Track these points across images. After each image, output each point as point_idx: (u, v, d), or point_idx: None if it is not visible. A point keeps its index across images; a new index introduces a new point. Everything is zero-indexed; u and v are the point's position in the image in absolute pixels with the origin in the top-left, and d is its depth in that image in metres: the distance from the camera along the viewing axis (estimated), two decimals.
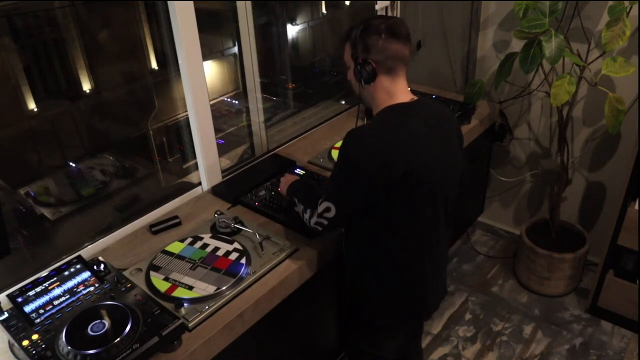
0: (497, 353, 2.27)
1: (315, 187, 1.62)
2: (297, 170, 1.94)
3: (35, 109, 1.73)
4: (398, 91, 1.37)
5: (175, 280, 1.44)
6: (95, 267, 1.46)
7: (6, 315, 1.31)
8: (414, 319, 1.63)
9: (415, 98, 1.40)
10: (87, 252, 1.64)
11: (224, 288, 1.41)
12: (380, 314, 1.52)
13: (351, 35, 1.38)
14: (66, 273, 1.43)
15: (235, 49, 2.21)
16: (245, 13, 2.10)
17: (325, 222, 1.39)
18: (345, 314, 1.69)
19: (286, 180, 1.70)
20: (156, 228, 1.70)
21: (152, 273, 1.47)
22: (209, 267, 1.49)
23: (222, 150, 2.21)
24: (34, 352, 1.20)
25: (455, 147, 1.47)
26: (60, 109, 1.85)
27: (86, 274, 1.44)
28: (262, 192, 1.83)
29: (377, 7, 2.51)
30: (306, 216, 1.46)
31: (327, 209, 1.37)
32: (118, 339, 1.20)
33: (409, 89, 1.44)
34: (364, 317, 1.57)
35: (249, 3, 2.09)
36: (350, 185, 1.33)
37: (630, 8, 1.88)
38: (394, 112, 1.36)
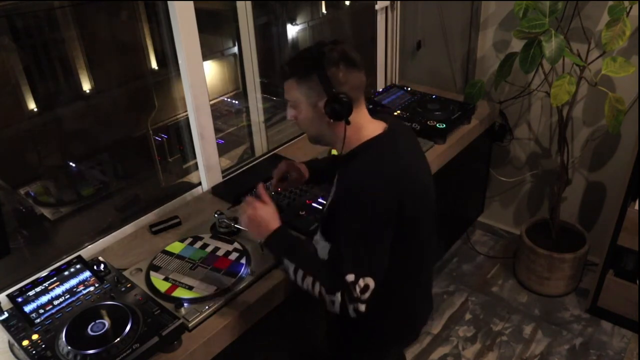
0: (497, 353, 2.27)
1: (314, 252, 1.34)
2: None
3: (36, 109, 1.73)
4: (366, 122, 1.28)
5: (175, 280, 1.44)
6: (95, 267, 1.46)
7: (6, 315, 1.31)
8: (410, 336, 1.55)
9: (383, 123, 1.31)
10: (87, 252, 1.64)
11: (224, 288, 1.41)
12: (377, 336, 1.41)
13: (301, 70, 1.23)
14: (66, 273, 1.44)
15: (235, 49, 2.22)
16: (245, 13, 2.10)
17: (364, 306, 1.13)
18: (337, 334, 1.51)
19: (259, 217, 1.30)
20: (156, 228, 1.70)
21: (152, 273, 1.47)
22: (209, 267, 1.49)
23: (222, 150, 2.21)
24: (34, 352, 1.20)
25: (426, 159, 1.42)
26: (60, 108, 1.85)
27: (86, 274, 1.44)
28: None
29: (377, 7, 2.51)
30: (323, 293, 1.17)
31: (366, 288, 1.12)
32: (118, 339, 1.20)
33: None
34: (359, 339, 1.43)
35: (249, 3, 2.09)
36: (378, 240, 1.17)
37: (630, 8, 1.88)
38: (380, 144, 1.25)
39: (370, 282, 1.12)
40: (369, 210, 1.15)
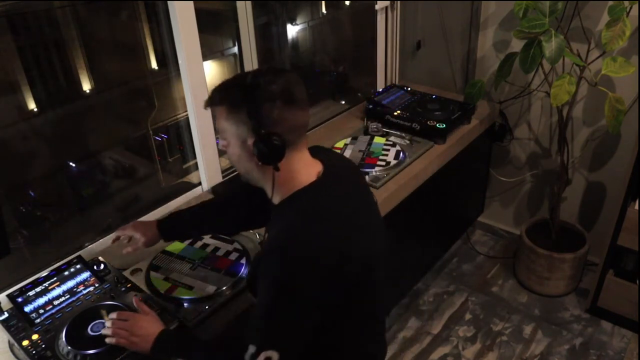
0: (497, 353, 2.27)
1: (204, 340, 1.21)
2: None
3: (36, 109, 1.73)
4: (302, 167, 1.10)
5: (175, 280, 1.44)
6: (95, 267, 1.47)
7: (6, 315, 1.31)
8: None
9: (319, 166, 1.14)
10: (87, 252, 1.64)
11: (224, 288, 1.41)
12: None
13: (230, 99, 1.06)
14: (66, 273, 1.44)
15: (235, 49, 2.21)
16: (245, 13, 2.10)
17: None
18: None
19: (144, 328, 1.19)
20: None
21: (152, 273, 1.47)
22: (209, 267, 1.49)
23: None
24: (34, 352, 1.21)
25: (372, 199, 1.25)
26: (60, 109, 1.85)
27: (86, 274, 1.44)
28: None
29: (377, 7, 2.51)
30: None
31: None
32: None
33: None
34: None
35: (249, 3, 2.09)
36: (294, 314, 1.00)
37: (630, 8, 1.88)
38: (312, 196, 1.08)
39: (274, 356, 0.98)
40: (287, 283, 0.99)
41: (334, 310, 1.05)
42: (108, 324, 1.21)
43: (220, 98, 1.07)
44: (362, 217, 1.15)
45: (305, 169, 1.11)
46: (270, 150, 1.03)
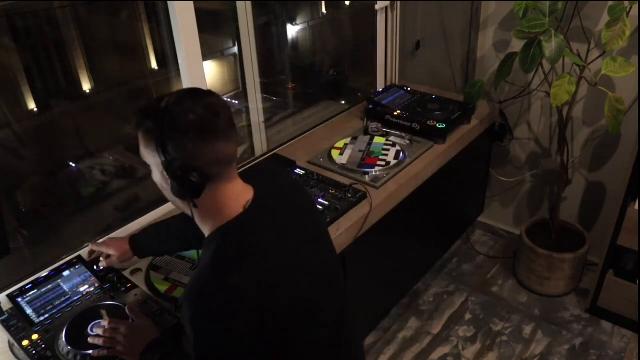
0: (497, 353, 2.27)
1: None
2: None
3: (36, 109, 1.73)
4: (230, 199, 1.00)
5: (175, 280, 1.44)
6: (95, 267, 1.46)
7: (6, 315, 1.31)
8: None
9: (250, 194, 1.04)
10: (87, 252, 1.63)
11: None
12: None
13: (143, 126, 0.96)
14: (66, 273, 1.44)
15: (235, 49, 2.21)
16: (245, 13, 2.10)
17: None
18: None
19: (138, 334, 1.18)
20: None
21: (152, 273, 1.47)
22: None
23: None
24: (34, 352, 1.21)
25: (314, 216, 1.18)
26: (60, 109, 1.85)
27: (86, 274, 1.44)
28: None
29: (377, 7, 2.51)
30: None
31: None
32: None
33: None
34: None
35: (249, 3, 2.09)
36: (224, 355, 0.94)
37: (630, 8, 1.88)
38: (236, 234, 0.98)
39: None
40: (204, 330, 0.92)
41: (274, 342, 0.98)
42: (99, 331, 1.21)
43: (137, 123, 0.97)
44: (298, 240, 1.06)
45: (232, 200, 1.01)
46: (186, 188, 0.93)
